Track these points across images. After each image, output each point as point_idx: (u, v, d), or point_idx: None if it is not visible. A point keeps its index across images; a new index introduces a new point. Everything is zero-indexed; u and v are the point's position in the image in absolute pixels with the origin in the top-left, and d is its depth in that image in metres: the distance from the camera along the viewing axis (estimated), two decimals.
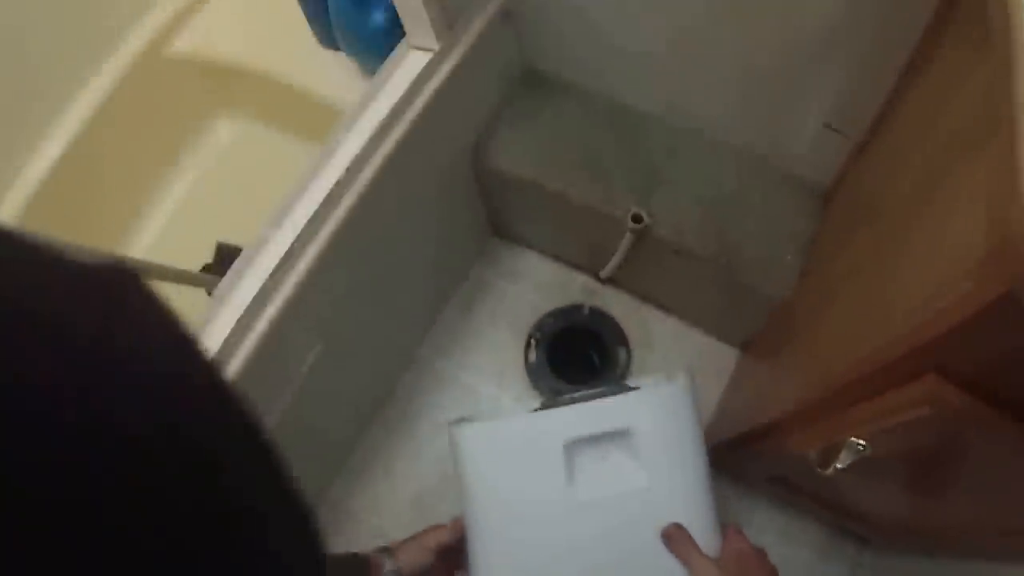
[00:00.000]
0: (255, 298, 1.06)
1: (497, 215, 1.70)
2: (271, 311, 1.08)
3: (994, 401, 0.64)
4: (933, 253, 0.70)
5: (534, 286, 1.75)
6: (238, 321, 1.04)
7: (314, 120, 1.69)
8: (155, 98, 1.80)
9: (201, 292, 1.35)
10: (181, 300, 1.20)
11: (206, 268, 1.72)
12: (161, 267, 1.26)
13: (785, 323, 1.31)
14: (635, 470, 0.98)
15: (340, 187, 1.12)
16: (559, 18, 1.31)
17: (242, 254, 1.11)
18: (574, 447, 1.00)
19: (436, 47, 1.18)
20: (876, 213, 0.99)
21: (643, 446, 0.99)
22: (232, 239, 1.78)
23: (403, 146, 1.18)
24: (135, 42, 1.76)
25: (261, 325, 1.07)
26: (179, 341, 0.35)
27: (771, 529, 1.53)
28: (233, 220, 1.81)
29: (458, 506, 1.02)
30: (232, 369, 1.04)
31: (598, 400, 1.02)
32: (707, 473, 1.01)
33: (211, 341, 1.03)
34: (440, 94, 1.21)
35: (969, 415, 0.65)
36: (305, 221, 1.10)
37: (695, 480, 1.00)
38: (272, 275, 1.07)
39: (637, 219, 1.30)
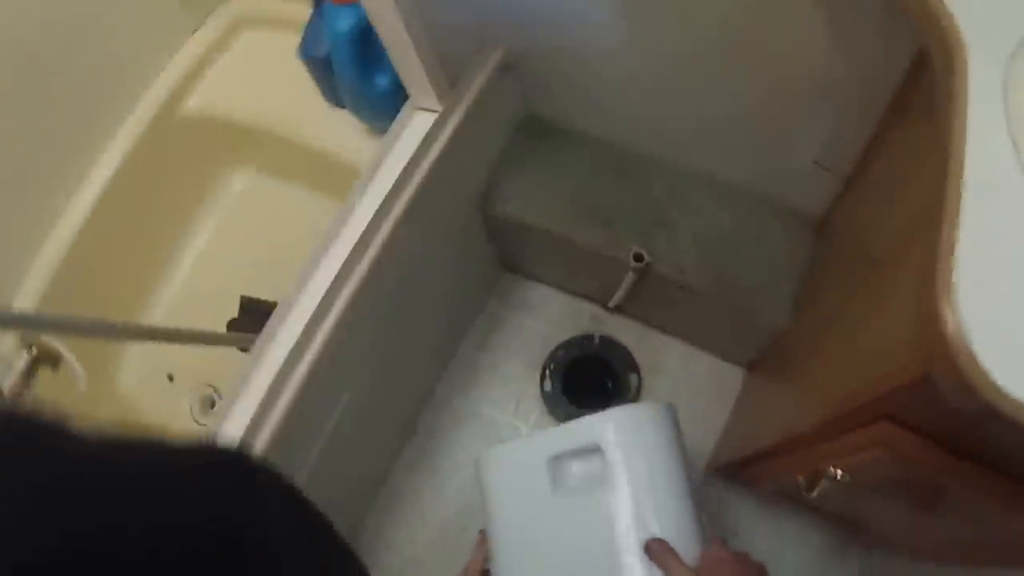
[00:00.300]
0: (289, 355, 1.14)
1: (506, 253, 1.78)
2: (303, 367, 1.15)
3: (942, 444, 0.73)
4: (890, 313, 0.78)
5: (545, 318, 1.83)
6: (274, 378, 1.12)
7: (322, 172, 1.77)
8: (170, 157, 1.85)
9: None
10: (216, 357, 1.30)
11: (232, 322, 1.79)
12: (200, 332, 1.34)
13: (784, 351, 1.39)
14: (607, 484, 1.08)
15: (361, 246, 1.19)
16: (558, 68, 1.36)
17: (274, 312, 1.18)
18: (557, 462, 1.14)
19: (440, 108, 1.25)
20: (857, 259, 1.06)
21: (613, 462, 1.10)
22: (252, 290, 1.85)
23: (416, 202, 1.24)
24: (149, 104, 1.81)
25: (295, 380, 1.14)
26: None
27: (781, 533, 1.60)
28: (251, 270, 1.89)
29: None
30: (271, 422, 1.12)
31: (575, 420, 1.14)
32: (685, 488, 1.08)
33: (250, 398, 1.12)
34: (447, 151, 1.27)
35: (918, 457, 0.73)
36: (331, 279, 1.17)
37: (669, 494, 1.07)
38: (304, 332, 1.15)
39: (638, 258, 1.38)
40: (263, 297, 1.80)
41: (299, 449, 1.24)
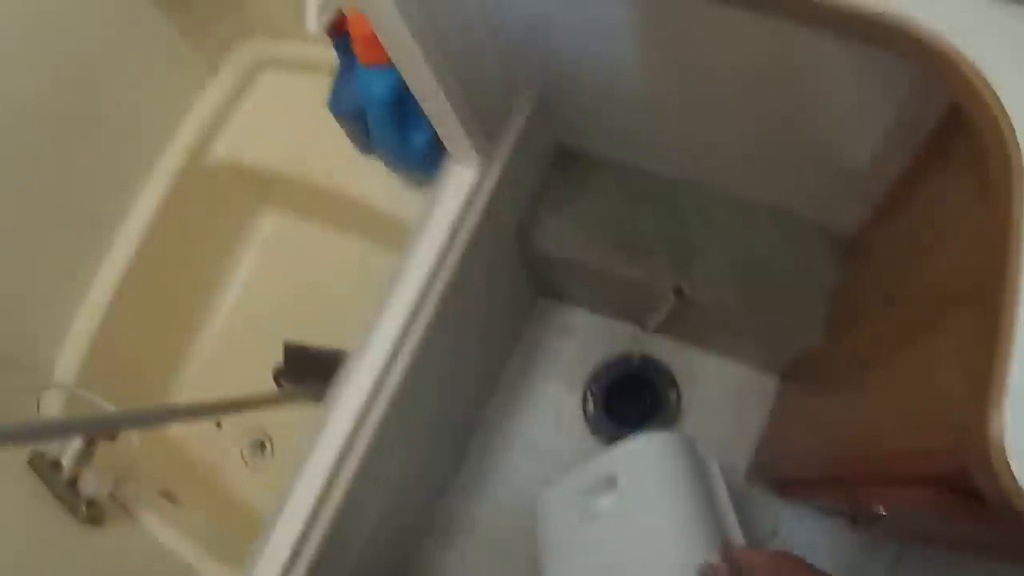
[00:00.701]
0: (361, 408, 1.19)
1: (542, 281, 1.82)
2: (375, 416, 1.21)
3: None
4: (932, 380, 0.81)
5: (583, 340, 1.88)
6: (349, 432, 1.18)
7: (352, 214, 1.79)
8: (199, 206, 1.87)
9: None
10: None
11: (279, 370, 1.82)
12: (266, 395, 1.39)
13: (818, 369, 1.43)
14: (624, 510, 1.25)
15: (421, 298, 1.24)
16: (586, 104, 1.39)
17: (345, 367, 1.23)
18: (584, 497, 1.35)
19: (479, 162, 1.30)
20: (891, 297, 1.09)
21: (628, 490, 1.28)
22: (290, 330, 1.87)
23: (467, 251, 1.29)
24: (174, 155, 1.81)
25: (368, 430, 1.21)
26: None
27: (820, 531, 1.64)
28: (287, 312, 1.93)
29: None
30: (346, 475, 1.19)
31: (598, 455, 1.36)
32: (696, 512, 1.23)
33: (326, 453, 1.18)
34: (491, 200, 1.32)
35: (967, 517, 0.75)
36: (397, 331, 1.22)
37: (681, 515, 1.22)
38: (373, 385, 1.20)
39: (679, 291, 1.43)
40: (303, 340, 1.83)
41: (369, 494, 1.29)
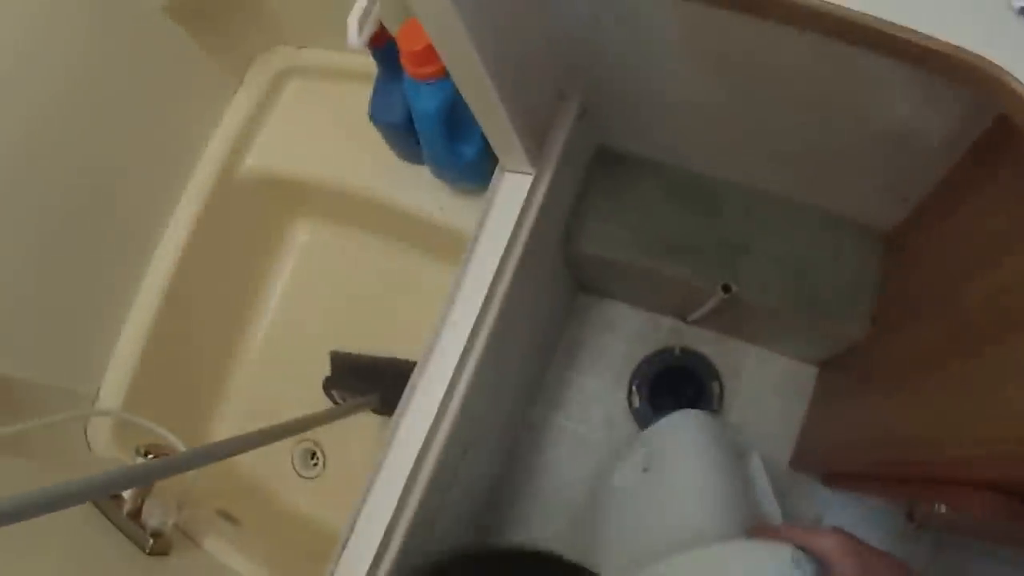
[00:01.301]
0: (433, 419, 1.20)
1: (585, 279, 1.84)
2: (446, 425, 1.22)
3: None
4: (1003, 392, 0.83)
5: (624, 334, 1.90)
6: (422, 442, 1.19)
7: (389, 220, 1.77)
8: (234, 219, 1.85)
9: None
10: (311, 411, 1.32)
11: (327, 380, 1.82)
12: (330, 411, 1.40)
13: (860, 363, 1.46)
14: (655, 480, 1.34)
15: (485, 305, 1.25)
16: (633, 108, 1.39)
17: (411, 380, 1.23)
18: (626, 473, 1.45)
19: (532, 170, 1.30)
20: (947, 301, 1.10)
21: (655, 463, 1.39)
22: (332, 339, 1.88)
23: (523, 259, 1.30)
24: (206, 171, 1.79)
25: (439, 439, 1.22)
26: None
27: (865, 518, 1.67)
28: (329, 319, 1.94)
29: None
30: (419, 487, 1.19)
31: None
32: (721, 481, 1.28)
33: (398, 469, 1.18)
34: (544, 206, 1.32)
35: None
36: (463, 342, 1.23)
37: (704, 483, 1.26)
38: (444, 396, 1.21)
39: (727, 289, 1.44)
40: (349, 348, 1.84)
41: (437, 502, 1.30)
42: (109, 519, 1.36)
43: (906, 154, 1.18)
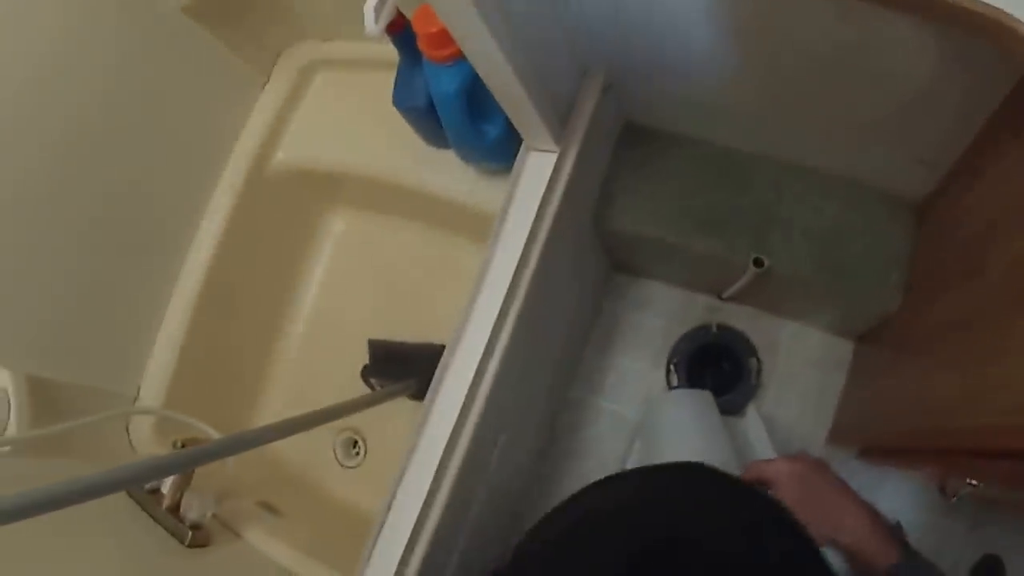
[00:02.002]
0: (463, 401, 1.19)
1: (618, 258, 1.82)
2: (477, 408, 1.22)
3: None
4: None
5: (660, 312, 1.89)
6: (454, 426, 1.18)
7: (422, 206, 1.78)
8: (268, 213, 1.87)
9: None
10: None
11: (365, 368, 1.83)
12: (365, 397, 1.40)
13: (895, 335, 1.44)
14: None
15: (512, 288, 1.24)
16: (655, 81, 1.38)
17: (440, 363, 1.23)
18: None
19: (556, 148, 1.29)
20: (976, 270, 1.08)
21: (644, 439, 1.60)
22: (370, 328, 1.89)
23: (551, 237, 1.29)
24: (237, 168, 1.81)
25: (470, 422, 1.21)
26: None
27: (901, 493, 1.61)
28: (367, 308, 1.94)
29: None
30: (452, 468, 1.19)
31: None
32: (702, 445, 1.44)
33: (431, 450, 1.18)
34: (570, 183, 1.31)
35: None
36: (491, 322, 1.22)
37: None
38: (474, 376, 1.20)
39: (759, 263, 1.42)
40: (386, 336, 1.84)
41: (472, 482, 1.30)
42: (149, 514, 1.38)
43: (932, 119, 1.16)
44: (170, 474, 1.37)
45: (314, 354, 2.00)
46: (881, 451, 1.41)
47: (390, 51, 1.49)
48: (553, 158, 1.30)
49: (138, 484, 1.36)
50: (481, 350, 1.21)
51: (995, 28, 0.72)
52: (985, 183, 1.12)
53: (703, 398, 1.55)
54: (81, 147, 1.45)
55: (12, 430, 1.31)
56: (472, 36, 0.99)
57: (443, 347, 1.22)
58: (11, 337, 1.38)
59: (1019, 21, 0.69)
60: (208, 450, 1.04)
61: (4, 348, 1.37)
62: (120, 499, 1.38)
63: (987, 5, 0.71)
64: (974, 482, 0.94)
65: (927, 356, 1.22)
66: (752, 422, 1.57)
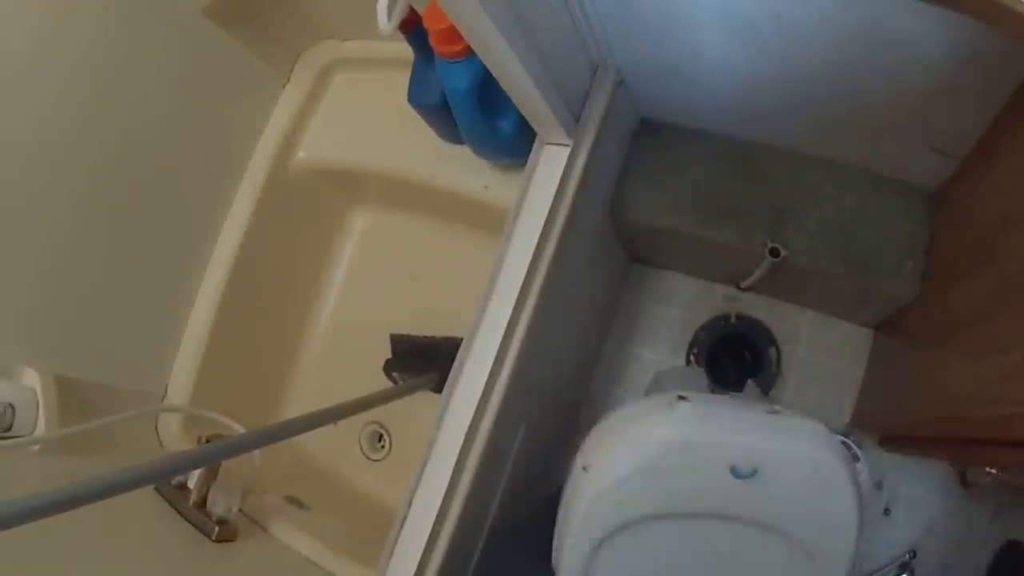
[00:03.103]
0: (478, 404, 1.20)
1: (636, 249, 1.83)
2: (496, 398, 1.23)
3: None
4: None
5: (679, 303, 1.90)
6: (471, 418, 1.20)
7: (442, 203, 1.81)
8: (291, 212, 1.90)
9: None
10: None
11: (388, 362, 1.86)
12: (387, 391, 1.42)
13: (914, 326, 1.44)
14: None
15: (527, 281, 1.26)
16: (667, 76, 1.39)
17: (458, 356, 1.24)
18: None
19: (570, 141, 1.31)
20: (989, 257, 1.09)
21: None
22: (393, 323, 1.91)
23: (566, 229, 1.30)
24: (259, 167, 1.84)
25: (489, 413, 1.22)
26: None
27: (922, 480, 1.63)
28: (389, 304, 1.96)
29: None
30: (472, 459, 1.21)
31: None
32: None
33: (450, 441, 1.20)
34: (583, 177, 1.32)
35: None
36: (508, 314, 1.24)
37: None
38: (492, 368, 1.22)
39: (775, 253, 1.43)
40: (409, 331, 1.86)
41: (492, 476, 1.32)
42: (176, 509, 1.40)
43: (947, 108, 1.16)
44: (195, 468, 1.39)
45: (337, 349, 2.02)
46: (901, 440, 1.41)
47: (406, 50, 1.52)
48: (566, 151, 1.31)
49: (163, 479, 1.39)
50: (498, 343, 1.23)
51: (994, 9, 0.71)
52: (999, 170, 1.12)
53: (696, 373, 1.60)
54: (108, 149, 1.49)
55: (41, 429, 1.33)
56: (476, 28, 1.00)
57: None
58: (39, 338, 1.42)
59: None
60: (233, 444, 1.06)
61: (32, 349, 1.40)
62: (147, 495, 1.40)
63: None
64: (992, 470, 0.94)
65: (944, 345, 1.22)
66: (749, 391, 1.61)
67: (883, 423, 1.53)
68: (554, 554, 1.16)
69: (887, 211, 1.44)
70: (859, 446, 1.24)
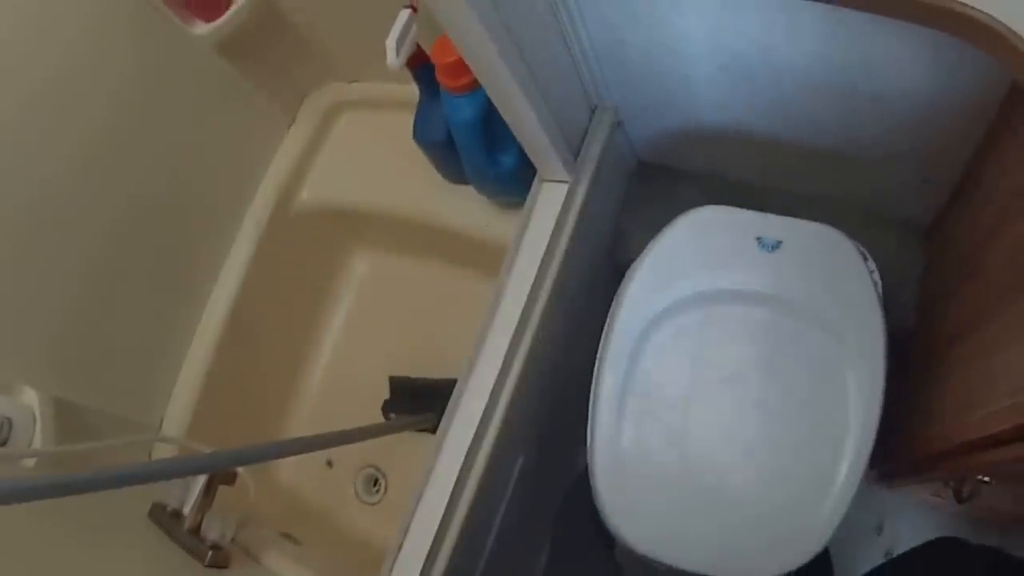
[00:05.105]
0: (475, 435, 1.21)
1: None
2: (488, 439, 1.23)
3: None
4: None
5: None
6: (467, 450, 1.20)
7: (445, 245, 1.82)
8: (292, 253, 1.90)
9: None
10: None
11: (386, 403, 1.85)
12: (380, 425, 1.42)
13: (907, 353, 1.43)
14: None
15: (523, 319, 1.27)
16: (665, 114, 1.41)
17: (453, 394, 1.25)
18: None
19: (568, 178, 1.33)
20: (975, 271, 1.10)
21: None
22: (393, 366, 1.90)
23: (563, 268, 1.32)
24: (262, 207, 1.85)
25: (483, 452, 1.22)
26: None
27: (919, 518, 1.61)
28: (389, 346, 1.95)
29: None
30: (463, 505, 1.20)
31: None
32: None
33: (440, 483, 1.19)
34: (581, 215, 1.34)
35: None
36: (503, 352, 1.24)
37: None
38: (486, 407, 1.22)
39: None
40: (408, 373, 1.86)
41: (486, 513, 1.31)
42: (169, 534, 1.39)
43: (933, 135, 1.18)
44: (182, 476, 1.38)
45: (335, 390, 2.02)
46: (898, 470, 1.40)
47: (411, 92, 1.55)
48: (565, 188, 1.34)
49: (140, 482, 1.38)
50: (493, 380, 1.23)
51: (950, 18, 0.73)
52: (978, 194, 1.16)
53: None
54: (116, 182, 1.51)
55: (36, 446, 1.33)
56: (484, 61, 1.03)
57: None
58: (39, 359, 1.42)
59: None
60: (222, 457, 1.06)
61: (32, 368, 1.41)
62: (141, 518, 1.40)
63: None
64: (987, 479, 0.95)
65: (938, 368, 1.23)
66: None
67: (882, 455, 1.52)
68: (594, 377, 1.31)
69: (881, 246, 1.43)
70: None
